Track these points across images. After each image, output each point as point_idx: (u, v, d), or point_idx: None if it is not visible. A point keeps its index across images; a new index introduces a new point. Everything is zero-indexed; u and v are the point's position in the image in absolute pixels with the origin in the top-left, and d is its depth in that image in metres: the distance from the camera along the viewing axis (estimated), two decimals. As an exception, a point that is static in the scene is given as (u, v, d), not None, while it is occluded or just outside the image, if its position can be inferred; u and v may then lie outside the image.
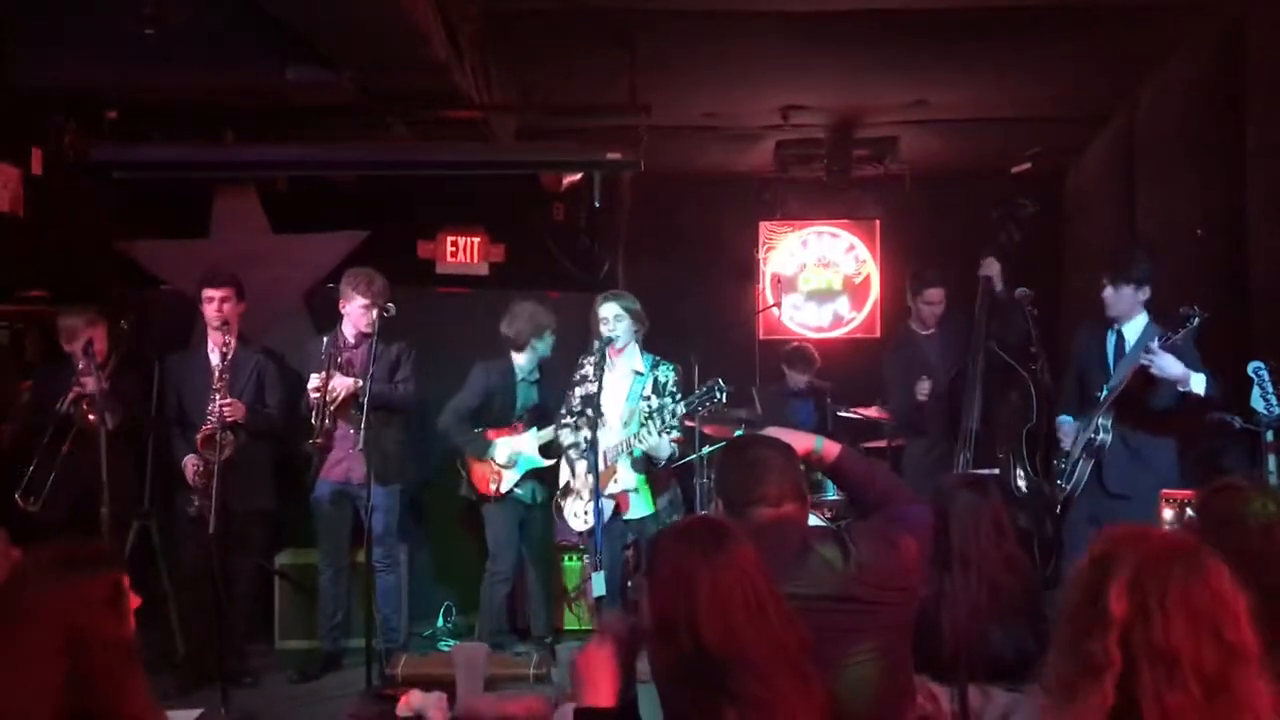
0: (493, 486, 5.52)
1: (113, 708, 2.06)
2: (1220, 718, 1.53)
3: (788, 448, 2.61)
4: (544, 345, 5.63)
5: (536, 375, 5.70)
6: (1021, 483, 5.54)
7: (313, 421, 5.24)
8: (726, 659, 1.91)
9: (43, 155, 5.82)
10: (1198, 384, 4.43)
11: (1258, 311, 5.05)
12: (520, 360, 5.65)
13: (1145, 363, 4.42)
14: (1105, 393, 4.67)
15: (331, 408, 5.25)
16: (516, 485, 5.54)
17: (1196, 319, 4.32)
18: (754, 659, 1.92)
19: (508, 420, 5.60)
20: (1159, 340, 4.40)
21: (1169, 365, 4.40)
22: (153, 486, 5.56)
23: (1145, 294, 4.72)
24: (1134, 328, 4.76)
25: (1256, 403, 4.21)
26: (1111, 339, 4.82)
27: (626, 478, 5.13)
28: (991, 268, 5.72)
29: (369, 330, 5.23)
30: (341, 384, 5.25)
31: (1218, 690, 1.53)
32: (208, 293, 5.32)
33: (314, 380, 5.26)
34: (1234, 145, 5.25)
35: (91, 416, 5.00)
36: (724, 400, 4.91)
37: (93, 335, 5.11)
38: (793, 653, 1.96)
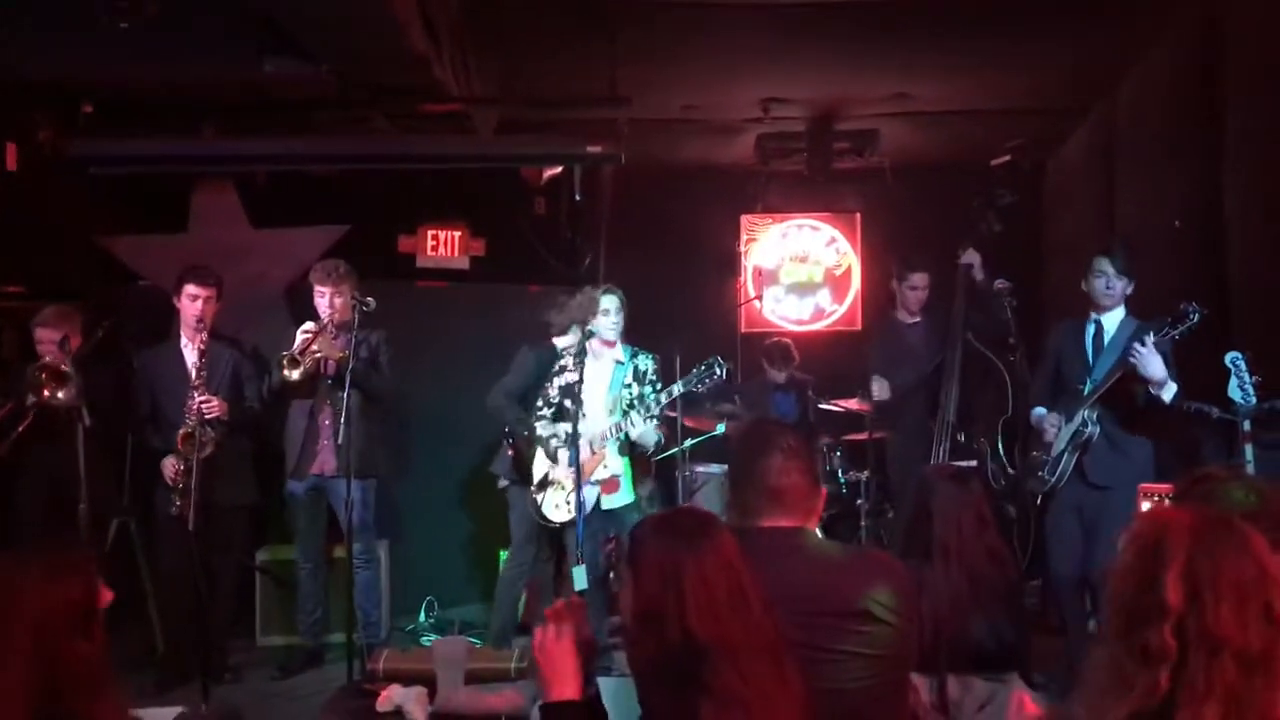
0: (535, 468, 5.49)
1: (80, 707, 2.04)
2: (1256, 693, 1.55)
3: (804, 443, 2.57)
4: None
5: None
6: (998, 474, 5.56)
7: (298, 358, 5.20)
8: (710, 651, 1.90)
9: (18, 150, 5.77)
10: (1168, 393, 4.47)
11: (1235, 302, 5.08)
12: (562, 344, 5.64)
13: (1132, 357, 4.42)
14: (1090, 386, 4.69)
15: (318, 353, 5.25)
16: None
17: (1196, 315, 4.32)
18: (736, 651, 1.90)
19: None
20: (1154, 334, 4.40)
21: (1153, 366, 4.41)
22: (132, 483, 5.53)
23: (1131, 287, 4.76)
24: (1113, 319, 4.78)
25: (1234, 393, 4.24)
26: (1090, 330, 4.83)
27: (614, 463, 5.15)
28: (972, 257, 5.73)
29: (336, 317, 5.25)
30: (331, 343, 5.24)
31: (1260, 669, 1.56)
32: (191, 289, 5.28)
33: (310, 325, 5.26)
34: (1213, 137, 5.27)
35: (46, 391, 4.95)
36: (724, 377, 4.93)
37: (68, 332, 5.07)
38: (773, 645, 1.96)
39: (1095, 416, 4.67)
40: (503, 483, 5.73)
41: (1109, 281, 4.73)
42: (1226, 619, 1.56)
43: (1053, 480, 4.81)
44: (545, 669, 2.13)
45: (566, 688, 2.11)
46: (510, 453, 5.57)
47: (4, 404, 5.07)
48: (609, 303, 5.15)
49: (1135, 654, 1.60)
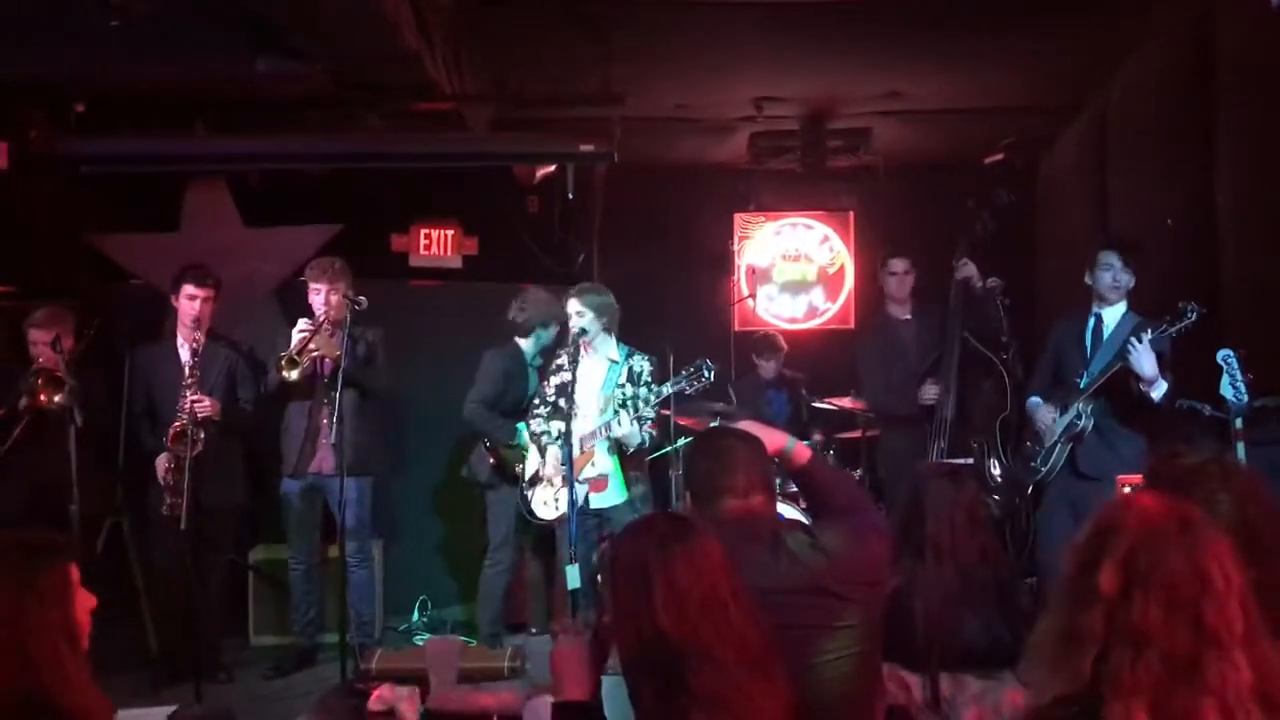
0: (519, 469, 5.49)
1: (56, 700, 2.03)
2: (1181, 699, 1.54)
3: (756, 440, 2.61)
4: (548, 334, 5.72)
5: (539, 361, 5.74)
6: (996, 471, 5.57)
7: (295, 358, 5.18)
8: (685, 651, 1.91)
9: (9, 149, 5.75)
10: (1157, 391, 4.49)
11: (1227, 300, 5.09)
12: (526, 346, 5.70)
13: (1128, 352, 4.45)
14: (1086, 380, 4.71)
15: (315, 351, 5.24)
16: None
17: (1194, 314, 4.34)
18: (714, 655, 1.92)
19: (519, 405, 5.60)
20: (1153, 331, 4.42)
21: (1145, 364, 4.44)
22: (124, 483, 5.51)
23: (1133, 282, 4.79)
24: (1114, 314, 4.81)
25: (1225, 390, 4.25)
26: (1091, 324, 4.86)
27: (602, 462, 5.15)
28: (968, 269, 5.74)
29: (331, 314, 5.25)
30: (329, 340, 5.23)
31: (1184, 673, 1.55)
32: (190, 289, 5.28)
33: (304, 322, 5.25)
34: (1205, 134, 5.28)
35: (43, 396, 4.96)
36: (711, 379, 4.94)
37: (60, 332, 5.06)
38: (755, 650, 1.96)
39: (1090, 409, 4.70)
40: (479, 485, 5.75)
41: (1116, 275, 4.76)
42: (1154, 618, 1.56)
43: (1044, 471, 4.83)
44: (559, 668, 2.16)
45: (577, 689, 2.14)
46: (490, 459, 5.60)
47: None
48: (570, 307, 5.16)
49: (1067, 633, 1.61)
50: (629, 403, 5.07)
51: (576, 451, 4.95)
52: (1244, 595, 1.60)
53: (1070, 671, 1.58)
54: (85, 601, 2.23)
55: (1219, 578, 1.59)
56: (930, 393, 5.68)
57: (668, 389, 5.05)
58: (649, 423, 5.16)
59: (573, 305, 5.15)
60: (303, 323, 5.26)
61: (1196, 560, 1.60)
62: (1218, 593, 1.58)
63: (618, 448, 5.16)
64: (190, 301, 5.27)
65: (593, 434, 5.09)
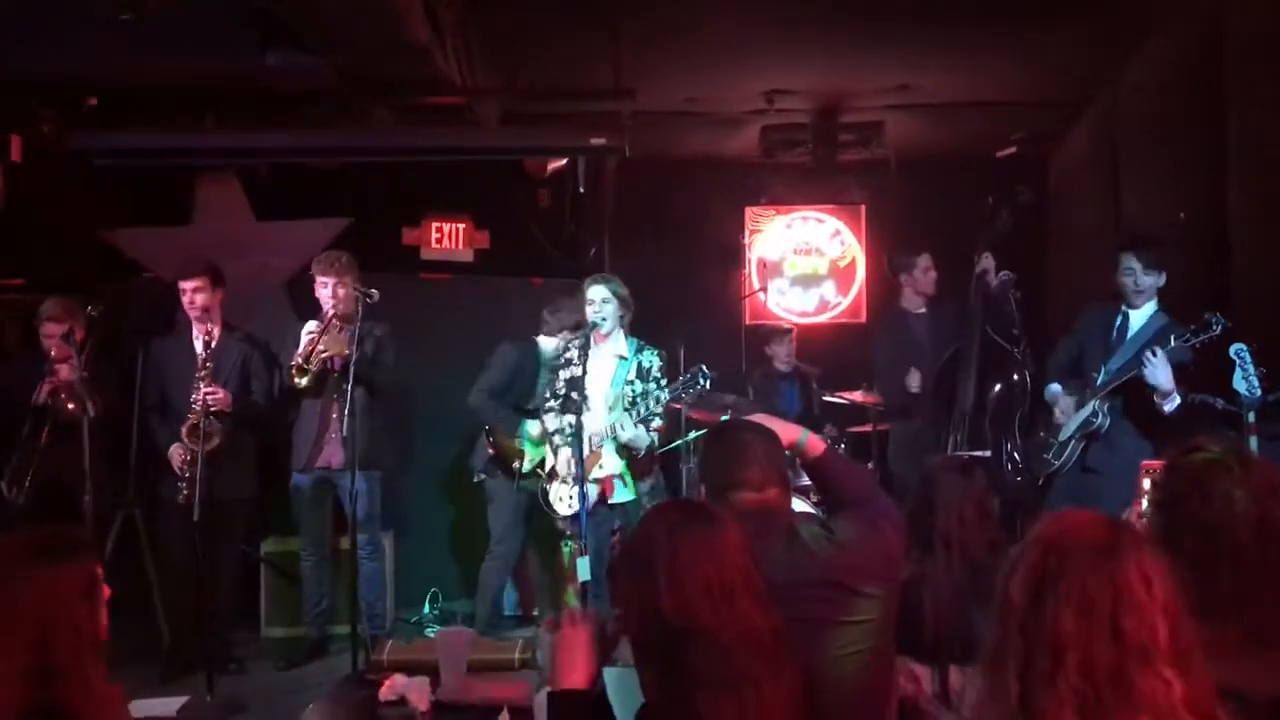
0: (516, 465, 5.53)
1: (76, 701, 2.03)
2: (1109, 712, 1.49)
3: (771, 433, 2.61)
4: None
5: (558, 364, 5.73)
6: (1018, 458, 5.56)
7: (305, 365, 5.20)
8: (687, 636, 1.90)
9: (22, 142, 5.78)
10: (1170, 404, 4.45)
11: (1239, 294, 5.07)
12: (547, 345, 5.70)
13: (1143, 363, 4.42)
14: (1103, 377, 4.69)
15: (324, 353, 5.25)
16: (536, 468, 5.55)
17: (1220, 327, 4.29)
18: (717, 641, 1.90)
19: (528, 399, 5.62)
20: (1175, 340, 4.39)
21: (1160, 376, 4.40)
22: (136, 475, 5.54)
23: (1162, 280, 4.75)
24: (1141, 314, 4.77)
25: (1238, 384, 4.22)
26: (1117, 321, 4.82)
27: (611, 463, 5.13)
28: (987, 262, 5.73)
29: (340, 308, 5.26)
30: (337, 337, 5.24)
31: (1112, 686, 1.49)
32: (182, 284, 5.30)
33: (312, 325, 5.27)
34: (1215, 128, 5.26)
35: (71, 405, 4.98)
36: (708, 387, 4.91)
37: (74, 325, 5.09)
38: (762, 638, 1.94)
39: (1106, 408, 4.68)
40: (479, 476, 5.75)
41: (1136, 279, 4.72)
42: (1066, 624, 1.51)
43: (1056, 464, 4.82)
44: (558, 656, 2.15)
45: (577, 676, 2.13)
46: (490, 450, 5.61)
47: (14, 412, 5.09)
48: (594, 293, 5.12)
49: (991, 649, 1.58)
50: (640, 400, 5.06)
51: (586, 450, 4.94)
52: (1172, 609, 1.53)
53: (1000, 688, 1.54)
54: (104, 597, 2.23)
55: (1139, 588, 1.52)
56: (915, 381, 5.70)
57: (665, 397, 5.02)
58: (655, 423, 5.15)
59: (599, 291, 5.11)
60: (310, 325, 5.27)
61: (1111, 570, 1.54)
62: (1137, 602, 1.51)
63: (625, 450, 5.15)
64: (184, 295, 5.29)
65: (601, 434, 5.07)
